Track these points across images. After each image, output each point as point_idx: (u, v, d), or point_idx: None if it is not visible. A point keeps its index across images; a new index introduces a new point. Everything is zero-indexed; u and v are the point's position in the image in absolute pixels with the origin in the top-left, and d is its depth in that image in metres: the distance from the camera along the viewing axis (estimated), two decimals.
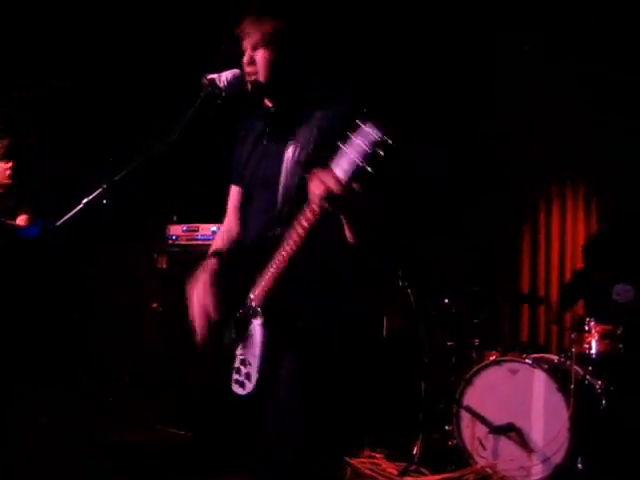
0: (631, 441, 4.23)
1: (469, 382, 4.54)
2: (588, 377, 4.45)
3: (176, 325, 5.17)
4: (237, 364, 2.30)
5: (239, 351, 2.31)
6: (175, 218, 5.45)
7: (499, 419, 4.35)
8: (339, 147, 1.88)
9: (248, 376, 2.26)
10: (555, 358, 4.66)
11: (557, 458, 4.12)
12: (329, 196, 1.90)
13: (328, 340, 2.25)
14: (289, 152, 2.26)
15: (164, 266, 5.40)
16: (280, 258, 2.13)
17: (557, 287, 6.62)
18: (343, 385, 2.34)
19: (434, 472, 4.33)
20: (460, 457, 4.45)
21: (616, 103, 5.90)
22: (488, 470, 4.27)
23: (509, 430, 4.31)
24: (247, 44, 2.27)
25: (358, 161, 1.84)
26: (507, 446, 4.31)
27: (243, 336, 2.29)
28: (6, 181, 4.09)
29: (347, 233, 2.12)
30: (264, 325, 2.23)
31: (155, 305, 5.34)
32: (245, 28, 2.27)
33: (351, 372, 2.36)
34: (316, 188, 1.92)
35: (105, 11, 5.18)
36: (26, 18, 5.07)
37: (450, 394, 4.64)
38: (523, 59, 6.15)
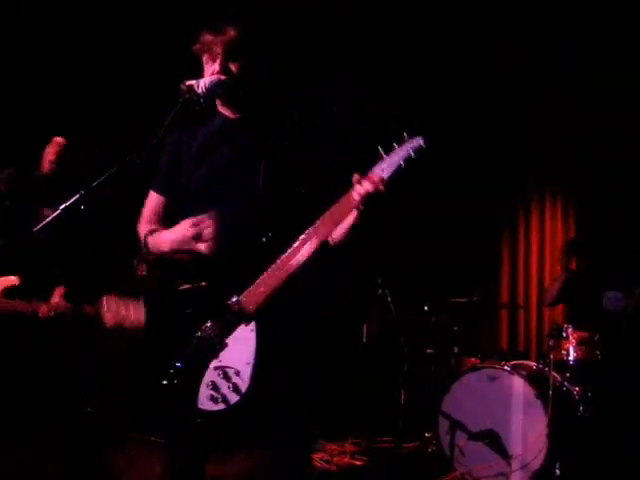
0: (608, 447, 4.26)
1: (448, 389, 4.56)
2: (566, 383, 4.48)
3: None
4: (211, 377, 2.17)
5: (214, 362, 2.18)
6: None
7: (478, 425, 4.37)
8: (382, 155, 2.12)
9: (236, 388, 2.13)
10: (534, 365, 4.69)
11: (535, 464, 4.14)
12: (374, 194, 2.11)
13: (320, 352, 2.28)
14: (262, 165, 2.25)
15: (143, 272, 5.37)
16: (286, 263, 2.14)
17: (536, 295, 6.68)
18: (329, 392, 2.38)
19: (414, 479, 4.34)
20: (439, 463, 4.46)
21: (596, 114, 5.96)
22: (467, 476, 4.28)
23: (488, 436, 4.33)
24: (208, 58, 2.27)
25: (401, 161, 2.11)
26: (486, 452, 4.33)
27: (222, 346, 2.18)
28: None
29: (340, 231, 2.21)
30: (259, 331, 2.16)
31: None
32: (205, 42, 2.26)
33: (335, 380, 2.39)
34: (362, 187, 2.11)
35: (83, 16, 5.16)
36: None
37: (429, 401, 4.65)
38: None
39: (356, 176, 2.12)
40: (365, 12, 5.48)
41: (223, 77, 2.23)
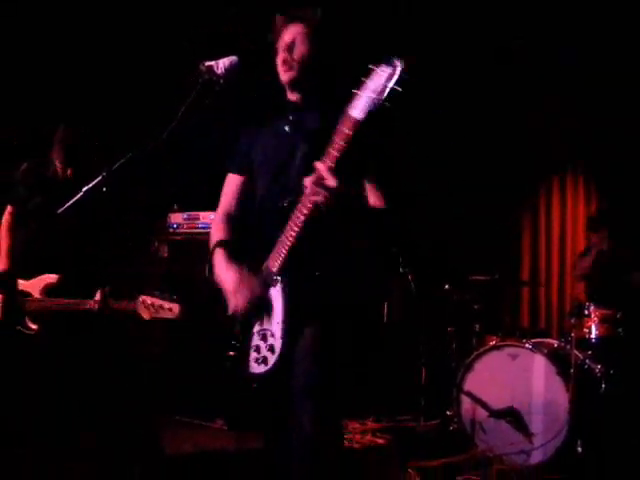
0: (630, 425, 4.26)
1: (469, 367, 4.56)
2: (588, 361, 4.47)
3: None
4: (255, 342, 2.29)
5: (256, 327, 2.30)
6: (176, 206, 5.44)
7: (499, 403, 4.38)
8: (354, 93, 1.99)
9: (271, 348, 2.24)
10: (555, 343, 4.68)
11: (557, 442, 4.14)
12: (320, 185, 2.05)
13: (347, 310, 2.30)
14: (305, 147, 2.32)
15: (165, 255, 5.41)
16: (289, 229, 2.19)
17: (557, 272, 6.65)
18: (357, 362, 2.36)
19: (435, 457, 4.36)
20: (461, 441, 4.48)
21: (616, 88, 5.90)
22: (488, 454, 4.29)
23: (509, 414, 4.33)
24: (283, 42, 2.33)
25: (374, 96, 1.95)
26: (507, 430, 4.33)
27: (261, 310, 2.29)
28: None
29: (373, 198, 2.25)
30: (284, 290, 2.24)
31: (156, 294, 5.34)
32: (280, 25, 2.33)
33: (365, 350, 2.40)
34: (314, 194, 2.08)
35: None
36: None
37: (450, 379, 4.66)
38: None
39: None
40: (361, 8, 5.45)
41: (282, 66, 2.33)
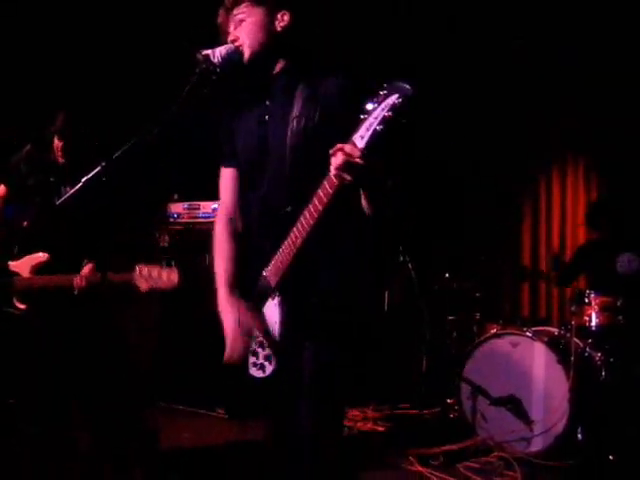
0: (630, 412, 4.26)
1: (470, 355, 4.58)
2: (588, 349, 4.47)
3: (177, 302, 5.21)
4: (254, 346, 2.24)
5: (256, 333, 2.24)
6: (176, 196, 5.44)
7: (500, 391, 4.39)
8: (359, 118, 1.88)
9: (268, 358, 2.20)
10: (555, 331, 4.69)
11: (557, 429, 4.16)
12: (349, 166, 1.89)
13: (346, 325, 2.21)
14: (294, 122, 2.20)
15: (166, 244, 5.41)
16: (296, 235, 2.08)
17: None
18: (358, 367, 2.32)
19: (436, 444, 4.38)
20: (461, 429, 4.50)
21: (616, 77, 5.88)
22: (489, 441, 4.31)
23: (510, 402, 4.35)
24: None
25: (376, 126, 1.85)
26: (508, 418, 4.35)
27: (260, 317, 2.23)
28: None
29: (364, 204, 2.09)
30: (281, 304, 2.18)
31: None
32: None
33: (365, 354, 2.36)
34: (336, 159, 1.90)
35: None
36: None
37: (451, 367, 4.67)
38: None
39: (332, 150, 1.92)
40: (362, 10, 5.44)
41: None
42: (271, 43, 2.25)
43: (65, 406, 3.58)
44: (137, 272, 3.22)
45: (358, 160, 1.87)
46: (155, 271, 3.22)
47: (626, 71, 5.70)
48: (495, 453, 4.20)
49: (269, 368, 2.20)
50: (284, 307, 2.18)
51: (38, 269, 3.56)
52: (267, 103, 2.30)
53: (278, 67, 2.30)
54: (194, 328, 4.90)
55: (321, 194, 2.00)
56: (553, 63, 5.95)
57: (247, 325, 2.23)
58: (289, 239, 2.11)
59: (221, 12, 2.30)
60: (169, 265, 3.27)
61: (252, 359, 2.25)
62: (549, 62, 5.99)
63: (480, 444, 4.32)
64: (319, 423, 2.18)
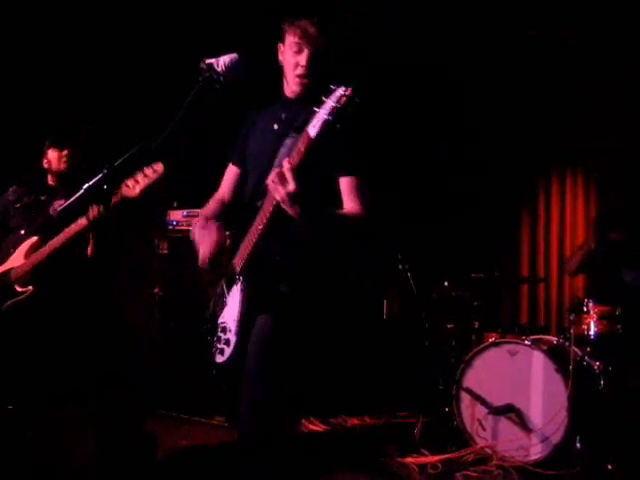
0: (629, 421, 4.26)
1: (469, 364, 4.57)
2: (587, 358, 4.47)
3: (177, 310, 5.21)
4: (218, 332, 2.39)
5: (220, 319, 2.40)
6: (175, 204, 5.45)
7: (498, 400, 4.39)
8: (314, 110, 2.07)
9: (227, 342, 2.33)
10: (554, 339, 4.69)
11: (556, 438, 4.16)
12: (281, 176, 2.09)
13: (300, 304, 2.36)
14: (288, 142, 2.36)
15: (165, 251, 5.42)
16: (258, 222, 2.26)
17: (557, 269, 6.65)
18: (315, 349, 2.43)
19: (434, 453, 4.37)
20: (460, 438, 4.49)
21: (615, 83, 5.90)
22: (488, 450, 4.31)
23: (508, 411, 4.34)
24: (307, 48, 2.36)
25: (327, 116, 2.03)
26: (506, 426, 4.35)
27: (224, 302, 2.40)
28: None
29: (349, 204, 2.36)
30: (242, 290, 2.33)
31: (156, 290, 5.36)
32: (310, 32, 2.35)
33: (324, 338, 2.44)
34: (275, 190, 2.11)
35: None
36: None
37: (450, 376, 4.67)
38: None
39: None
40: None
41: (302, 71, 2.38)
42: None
43: (65, 406, 3.63)
44: (124, 187, 3.37)
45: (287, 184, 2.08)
46: (139, 175, 3.36)
47: (626, 71, 5.72)
48: (494, 462, 4.20)
49: (227, 351, 2.32)
50: (244, 288, 2.33)
51: (32, 251, 3.67)
52: (283, 116, 2.46)
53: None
54: (193, 336, 4.89)
55: (267, 206, 2.24)
56: (553, 60, 5.96)
57: (211, 230, 2.42)
58: (253, 226, 2.29)
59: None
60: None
61: (216, 345, 2.39)
62: (550, 68, 6.01)
63: (479, 453, 4.32)
64: (271, 392, 2.28)
